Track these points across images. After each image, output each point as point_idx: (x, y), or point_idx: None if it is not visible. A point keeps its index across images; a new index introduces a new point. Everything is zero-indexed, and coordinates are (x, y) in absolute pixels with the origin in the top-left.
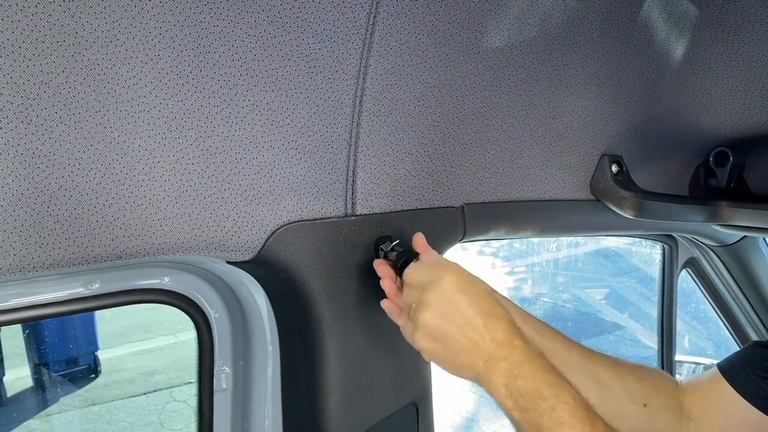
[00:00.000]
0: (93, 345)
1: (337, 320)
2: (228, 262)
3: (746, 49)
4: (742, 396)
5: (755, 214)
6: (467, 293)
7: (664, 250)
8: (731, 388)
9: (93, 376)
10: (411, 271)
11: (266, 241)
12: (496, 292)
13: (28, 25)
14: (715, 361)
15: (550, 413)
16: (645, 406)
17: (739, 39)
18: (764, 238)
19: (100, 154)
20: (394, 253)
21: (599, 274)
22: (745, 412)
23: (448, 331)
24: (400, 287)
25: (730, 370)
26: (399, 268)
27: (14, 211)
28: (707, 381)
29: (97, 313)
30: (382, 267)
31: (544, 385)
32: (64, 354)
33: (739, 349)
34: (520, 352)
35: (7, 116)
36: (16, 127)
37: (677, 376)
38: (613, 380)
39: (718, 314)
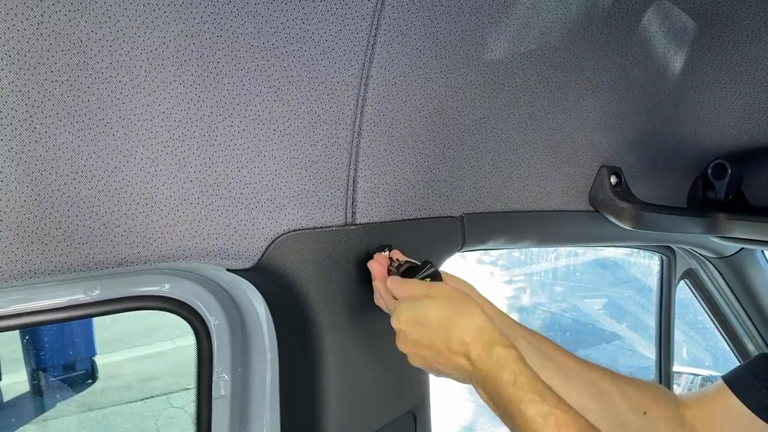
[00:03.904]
0: (91, 350)
1: (335, 328)
2: (228, 270)
3: (745, 63)
4: (750, 409)
5: (753, 226)
6: (418, 323)
7: (662, 261)
8: (738, 401)
9: (90, 381)
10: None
11: (266, 249)
12: (480, 298)
13: (33, 33)
14: (713, 372)
15: (519, 414)
16: (645, 414)
17: (738, 53)
18: (762, 250)
19: (103, 161)
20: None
21: (598, 284)
22: (753, 426)
23: (425, 354)
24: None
25: (737, 383)
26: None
27: (16, 217)
28: (712, 394)
29: (96, 318)
30: (377, 267)
31: (511, 389)
32: (61, 359)
33: (737, 360)
34: (482, 362)
35: (11, 123)
36: (20, 134)
37: (675, 386)
38: (612, 388)
39: (715, 325)
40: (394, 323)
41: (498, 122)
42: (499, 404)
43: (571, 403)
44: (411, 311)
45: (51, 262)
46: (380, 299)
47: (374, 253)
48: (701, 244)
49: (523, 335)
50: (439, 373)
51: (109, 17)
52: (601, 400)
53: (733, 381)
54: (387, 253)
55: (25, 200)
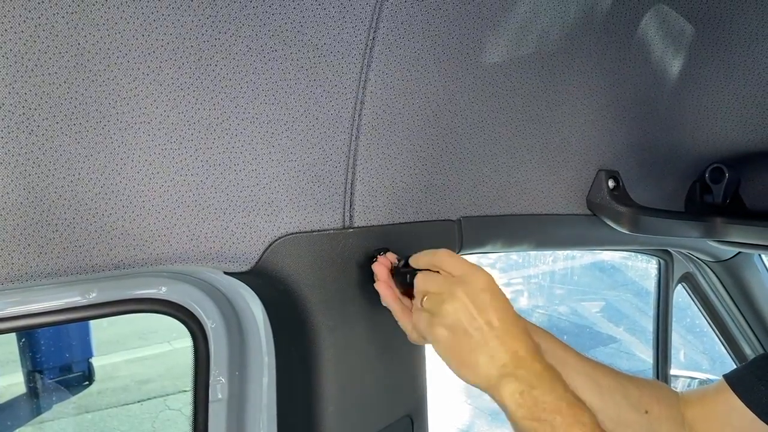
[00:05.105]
0: (87, 352)
1: (333, 332)
2: (225, 273)
3: (742, 66)
4: (751, 410)
5: (750, 230)
6: (497, 298)
7: (659, 264)
8: (740, 401)
9: (87, 383)
10: (447, 259)
11: (264, 252)
12: None
13: (30, 36)
14: (711, 376)
15: (565, 429)
16: (646, 413)
17: (735, 56)
18: (759, 254)
19: (100, 164)
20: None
21: (595, 287)
22: (753, 427)
23: (470, 326)
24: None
25: (739, 383)
26: (407, 277)
27: (13, 219)
28: (713, 393)
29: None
30: (380, 269)
31: (563, 402)
32: (58, 361)
33: (734, 363)
34: (539, 366)
35: (8, 126)
36: (17, 136)
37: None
38: (614, 386)
39: (713, 329)
40: (432, 341)
41: (496, 126)
42: (548, 401)
43: None
44: (470, 297)
45: (47, 264)
46: (387, 301)
47: (372, 256)
48: (699, 248)
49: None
50: (469, 358)
51: (107, 20)
52: (602, 398)
53: (734, 381)
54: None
55: (21, 203)
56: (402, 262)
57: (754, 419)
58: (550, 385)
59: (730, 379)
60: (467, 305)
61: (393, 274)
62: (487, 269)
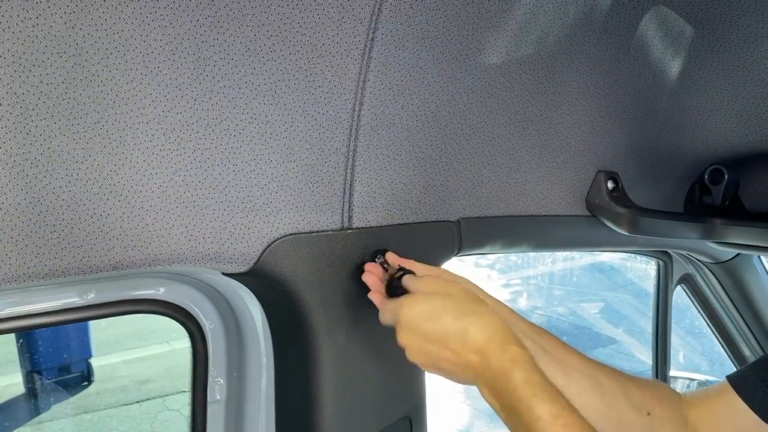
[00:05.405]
0: (86, 352)
1: (332, 333)
2: (224, 274)
3: (742, 67)
4: (754, 412)
5: (749, 231)
6: (432, 317)
7: (659, 266)
8: (744, 404)
9: (86, 383)
10: (381, 308)
11: (262, 253)
12: (485, 295)
13: (29, 36)
14: (710, 377)
15: (527, 412)
16: (648, 414)
17: (735, 57)
18: (758, 256)
19: (98, 165)
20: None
21: (595, 288)
22: (757, 428)
23: (426, 350)
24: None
25: (742, 384)
26: (398, 289)
27: (11, 220)
28: (716, 394)
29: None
30: (371, 278)
31: (523, 386)
32: (57, 361)
33: (734, 365)
34: (496, 362)
35: (6, 126)
36: (15, 137)
37: None
38: (615, 386)
39: (712, 330)
40: (405, 313)
41: (495, 126)
42: (507, 403)
43: (570, 399)
44: (426, 303)
45: (46, 265)
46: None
47: (368, 261)
48: (698, 249)
49: (524, 330)
50: (440, 371)
51: (106, 20)
52: (603, 399)
53: (737, 382)
54: (379, 260)
55: (20, 203)
56: (397, 272)
57: (757, 421)
58: (508, 377)
59: (733, 380)
60: (412, 335)
61: (388, 280)
62: (486, 270)
